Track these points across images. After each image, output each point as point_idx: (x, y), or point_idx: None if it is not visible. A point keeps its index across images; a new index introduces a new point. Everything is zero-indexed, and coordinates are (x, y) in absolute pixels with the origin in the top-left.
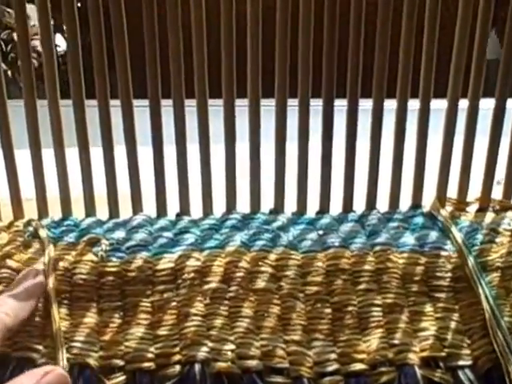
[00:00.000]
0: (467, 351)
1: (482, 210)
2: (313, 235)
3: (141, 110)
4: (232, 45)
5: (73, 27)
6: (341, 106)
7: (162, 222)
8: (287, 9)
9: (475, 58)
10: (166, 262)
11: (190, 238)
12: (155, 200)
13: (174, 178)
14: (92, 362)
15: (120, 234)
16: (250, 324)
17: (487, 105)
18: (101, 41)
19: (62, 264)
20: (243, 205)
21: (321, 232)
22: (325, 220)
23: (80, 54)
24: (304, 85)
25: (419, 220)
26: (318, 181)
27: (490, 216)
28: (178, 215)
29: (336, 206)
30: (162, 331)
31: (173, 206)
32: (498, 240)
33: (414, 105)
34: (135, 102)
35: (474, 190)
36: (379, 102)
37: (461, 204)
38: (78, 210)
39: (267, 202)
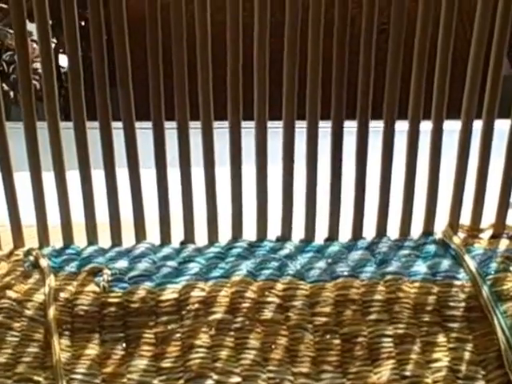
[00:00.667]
0: (482, 383)
1: (496, 236)
2: (321, 264)
3: (142, 132)
4: (238, 66)
5: (74, 46)
6: (350, 127)
7: (166, 251)
8: (296, 29)
9: (490, 78)
10: (170, 293)
11: (194, 268)
12: (159, 227)
13: (178, 204)
14: None
15: (123, 263)
16: (257, 356)
17: (500, 125)
18: (102, 60)
19: (62, 295)
20: (250, 232)
21: (329, 260)
22: (333, 248)
23: (81, 75)
24: (313, 108)
25: (431, 248)
26: (327, 207)
27: (504, 243)
28: (182, 243)
29: (345, 233)
30: (166, 363)
31: (177, 234)
32: None
33: (425, 127)
34: (137, 125)
35: (488, 216)
36: (390, 126)
37: (474, 231)
38: (81, 237)
39: (274, 229)
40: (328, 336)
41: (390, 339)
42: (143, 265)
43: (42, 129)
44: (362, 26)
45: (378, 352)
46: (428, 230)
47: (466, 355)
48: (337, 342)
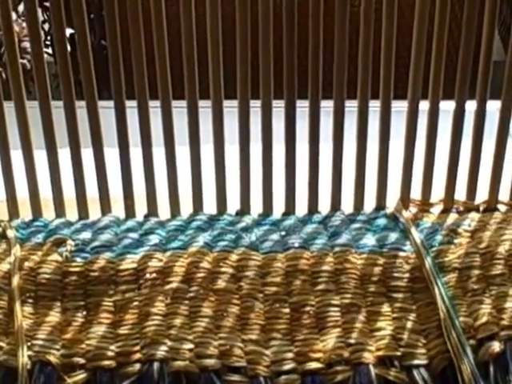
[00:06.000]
0: (422, 351)
1: (445, 211)
2: (275, 236)
3: (107, 111)
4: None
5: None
6: (303, 107)
7: (130, 224)
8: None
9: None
10: (129, 263)
11: (154, 239)
12: (123, 201)
13: (142, 179)
14: (53, 359)
15: (86, 234)
16: (209, 324)
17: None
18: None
19: (27, 264)
20: (211, 206)
21: (283, 233)
22: (289, 221)
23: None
24: (266, 88)
25: (381, 221)
26: (284, 182)
27: (452, 217)
28: (145, 216)
29: (302, 207)
30: (123, 330)
31: (143, 207)
32: (456, 241)
33: (375, 106)
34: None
35: (439, 191)
36: (340, 104)
37: (424, 205)
38: (51, 212)
39: (235, 203)
40: (277, 305)
41: (336, 309)
42: (105, 236)
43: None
44: None
45: (324, 321)
46: (380, 205)
47: (409, 324)
48: (286, 310)
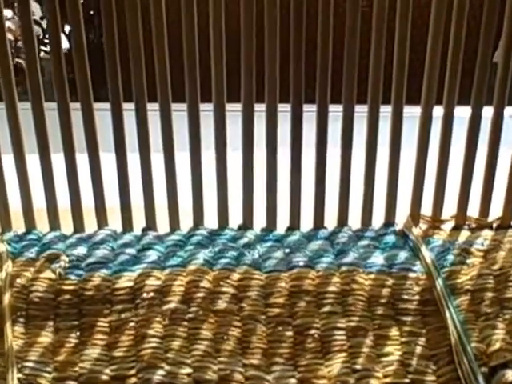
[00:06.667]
0: (432, 378)
1: (457, 227)
2: (279, 254)
3: (103, 113)
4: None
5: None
6: (310, 111)
7: (127, 238)
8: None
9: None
10: (126, 281)
11: (152, 256)
12: (120, 214)
13: (140, 190)
14: (44, 383)
15: (81, 249)
16: (209, 347)
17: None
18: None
19: (19, 281)
20: (212, 217)
21: (287, 250)
22: (293, 237)
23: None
24: (272, 95)
25: (390, 239)
26: (288, 196)
27: (464, 234)
28: (143, 230)
29: (307, 222)
30: (119, 352)
31: (140, 220)
32: (469, 261)
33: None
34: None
35: (452, 207)
36: (349, 112)
37: (435, 222)
38: (45, 223)
39: (237, 217)
40: (280, 328)
41: (342, 332)
42: (101, 251)
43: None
44: None
45: (329, 345)
46: (389, 221)
47: (418, 349)
48: (289, 333)
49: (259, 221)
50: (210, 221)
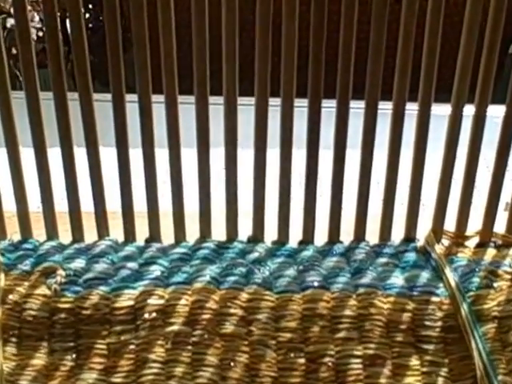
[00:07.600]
0: None
1: (482, 244)
2: (291, 271)
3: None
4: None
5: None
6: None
7: (129, 249)
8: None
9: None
10: (126, 300)
11: (155, 271)
12: (122, 223)
13: (143, 197)
14: None
15: (79, 262)
16: (214, 374)
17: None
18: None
19: (11, 297)
20: (220, 227)
21: (301, 267)
22: (307, 252)
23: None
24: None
25: (411, 256)
26: (302, 207)
27: (490, 253)
28: (147, 241)
29: (322, 235)
30: (117, 378)
31: (144, 224)
32: (496, 284)
33: (409, 126)
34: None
35: (476, 222)
36: (372, 128)
37: (459, 238)
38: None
39: (247, 229)
40: (292, 354)
41: (358, 360)
42: (101, 265)
43: None
44: None
45: (344, 374)
46: (409, 236)
47: (440, 381)
48: (301, 361)
49: (271, 231)
50: (218, 227)
